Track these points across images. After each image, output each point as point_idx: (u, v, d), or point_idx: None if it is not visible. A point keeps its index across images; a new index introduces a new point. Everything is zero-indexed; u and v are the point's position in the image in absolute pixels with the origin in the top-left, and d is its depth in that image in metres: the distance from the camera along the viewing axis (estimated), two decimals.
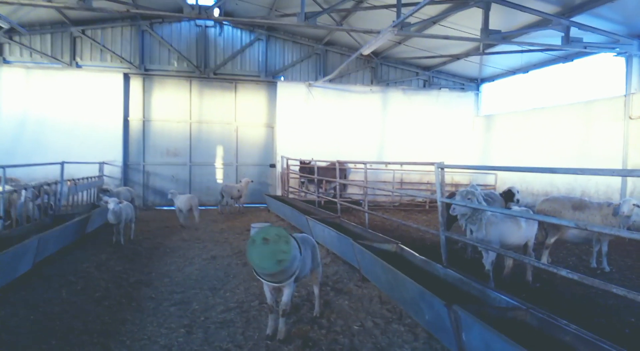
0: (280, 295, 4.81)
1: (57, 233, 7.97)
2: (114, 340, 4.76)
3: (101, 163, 15.65)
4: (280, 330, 4.81)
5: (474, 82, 19.17)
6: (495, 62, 16.75)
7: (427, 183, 17.82)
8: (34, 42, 15.77)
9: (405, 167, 17.33)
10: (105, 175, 15.88)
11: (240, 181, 15.68)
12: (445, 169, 6.19)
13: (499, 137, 17.53)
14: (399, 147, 17.84)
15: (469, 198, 6.11)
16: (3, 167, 7.74)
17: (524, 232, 6.56)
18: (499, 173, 17.03)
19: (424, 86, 18.89)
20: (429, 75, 18.76)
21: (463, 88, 19.16)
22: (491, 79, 18.60)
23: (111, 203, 9.25)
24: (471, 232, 8.25)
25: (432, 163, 5.97)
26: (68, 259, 8.07)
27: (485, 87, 19.13)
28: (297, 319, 5.43)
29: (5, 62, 15.62)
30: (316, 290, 5.58)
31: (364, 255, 6.52)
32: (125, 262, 8.16)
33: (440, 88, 18.92)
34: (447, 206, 6.36)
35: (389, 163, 8.13)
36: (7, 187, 8.26)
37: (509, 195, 10.19)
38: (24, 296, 6.00)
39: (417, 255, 6.37)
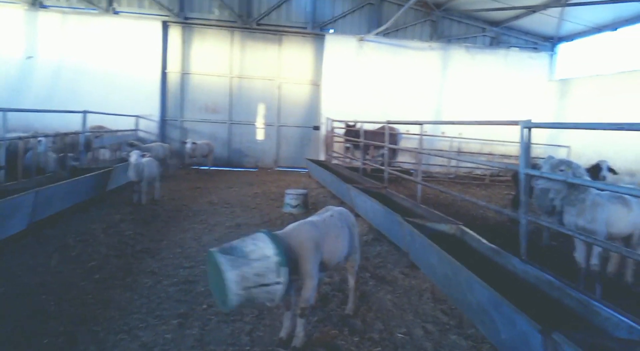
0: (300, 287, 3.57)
1: (65, 189, 7.06)
2: (85, 329, 3.70)
3: (136, 117, 14.84)
4: (298, 334, 3.57)
5: (548, 41, 16.78)
6: (578, 16, 14.36)
7: (489, 154, 15.96)
8: None
9: (465, 134, 15.57)
10: (141, 130, 15.10)
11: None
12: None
13: (576, 105, 15.27)
14: (459, 112, 15.90)
15: (561, 170, 4.56)
16: (3, 110, 6.83)
17: (633, 217, 4.96)
18: (573, 147, 14.90)
19: (491, 44, 16.69)
20: (498, 31, 16.52)
21: (536, 48, 16.83)
22: (570, 38, 16.19)
23: (133, 156, 8.28)
24: (556, 215, 6.73)
25: (514, 122, 4.42)
26: (77, 218, 7.21)
27: (562, 48, 16.71)
28: (324, 317, 4.19)
29: (42, 6, 14.87)
30: (351, 281, 4.28)
31: (415, 238, 5.15)
32: (138, 225, 7.18)
33: (509, 48, 16.68)
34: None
35: (455, 122, 6.55)
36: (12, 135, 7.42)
37: (595, 171, 8.37)
38: (7, 261, 5.10)
39: (484, 241, 4.93)
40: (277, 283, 3.09)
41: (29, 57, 14.68)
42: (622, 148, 12.50)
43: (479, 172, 16.05)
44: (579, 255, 5.05)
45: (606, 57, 14.64)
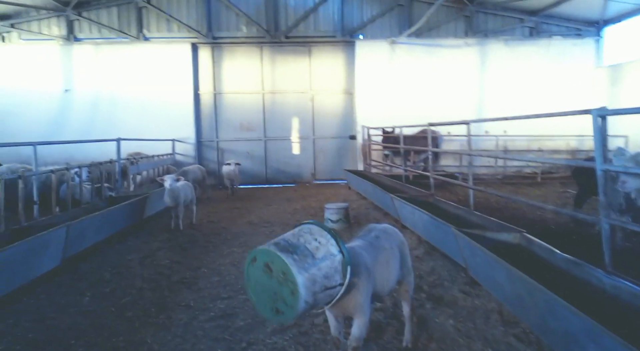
0: (351, 323, 3.06)
1: (99, 220, 6.87)
2: None
3: (172, 141, 14.83)
4: None
5: (593, 26, 15.69)
6: None
7: (538, 150, 14.98)
8: (101, 16, 15.18)
9: (509, 132, 14.70)
10: (177, 153, 15.09)
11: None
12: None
13: (631, 91, 14.10)
14: (502, 109, 14.89)
15: None
16: (34, 144, 6.73)
17: None
18: (631, 136, 13.74)
19: (531, 35, 15.77)
20: (537, 21, 15.60)
21: (580, 35, 15.77)
22: (617, 19, 15.05)
23: (167, 181, 8.03)
24: (630, 212, 5.97)
25: (585, 112, 3.80)
26: (114, 249, 6.99)
27: (608, 31, 15.58)
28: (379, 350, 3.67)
29: (76, 39, 15.22)
30: (406, 309, 3.74)
31: (475, 252, 4.56)
32: (176, 252, 6.88)
33: (550, 37, 15.72)
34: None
35: (510, 118, 5.88)
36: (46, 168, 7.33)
37: None
38: (41, 301, 4.86)
39: (557, 251, 4.28)
40: (341, 284, 2.66)
41: (67, 90, 14.99)
42: None
43: (528, 170, 15.10)
44: None
45: None
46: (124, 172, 10.31)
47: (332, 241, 2.69)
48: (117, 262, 6.27)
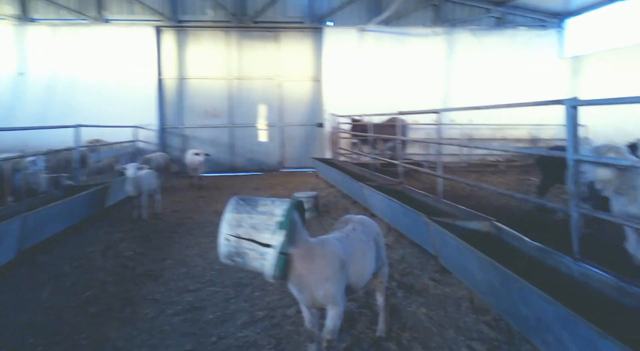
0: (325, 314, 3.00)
1: (57, 210, 6.54)
2: None
3: (134, 127, 14.31)
4: None
5: (556, 18, 16.05)
6: None
7: (502, 139, 15.30)
8: None
9: (475, 121, 14.93)
10: (140, 141, 14.58)
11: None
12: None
13: (591, 82, 14.56)
14: (469, 98, 15.17)
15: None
16: None
17: None
18: (590, 126, 14.20)
19: (497, 25, 15.99)
20: (503, 11, 15.82)
21: (544, 26, 16.11)
22: (579, 11, 15.44)
23: (129, 169, 7.74)
24: (592, 200, 6.14)
25: (558, 102, 3.82)
26: (75, 241, 6.68)
27: (570, 23, 15.98)
28: (352, 342, 3.62)
29: (31, 20, 14.41)
30: (380, 299, 3.70)
31: (446, 240, 4.57)
32: (139, 243, 6.64)
33: (516, 27, 15.99)
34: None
35: (482, 107, 5.90)
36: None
37: (633, 149, 7.70)
38: None
39: (526, 239, 4.34)
40: (268, 245, 2.60)
41: (21, 74, 14.23)
42: None
43: (492, 158, 15.42)
44: (633, 246, 4.46)
45: (620, 29, 13.89)
46: (83, 160, 9.88)
47: (284, 206, 2.70)
48: (78, 254, 5.99)
